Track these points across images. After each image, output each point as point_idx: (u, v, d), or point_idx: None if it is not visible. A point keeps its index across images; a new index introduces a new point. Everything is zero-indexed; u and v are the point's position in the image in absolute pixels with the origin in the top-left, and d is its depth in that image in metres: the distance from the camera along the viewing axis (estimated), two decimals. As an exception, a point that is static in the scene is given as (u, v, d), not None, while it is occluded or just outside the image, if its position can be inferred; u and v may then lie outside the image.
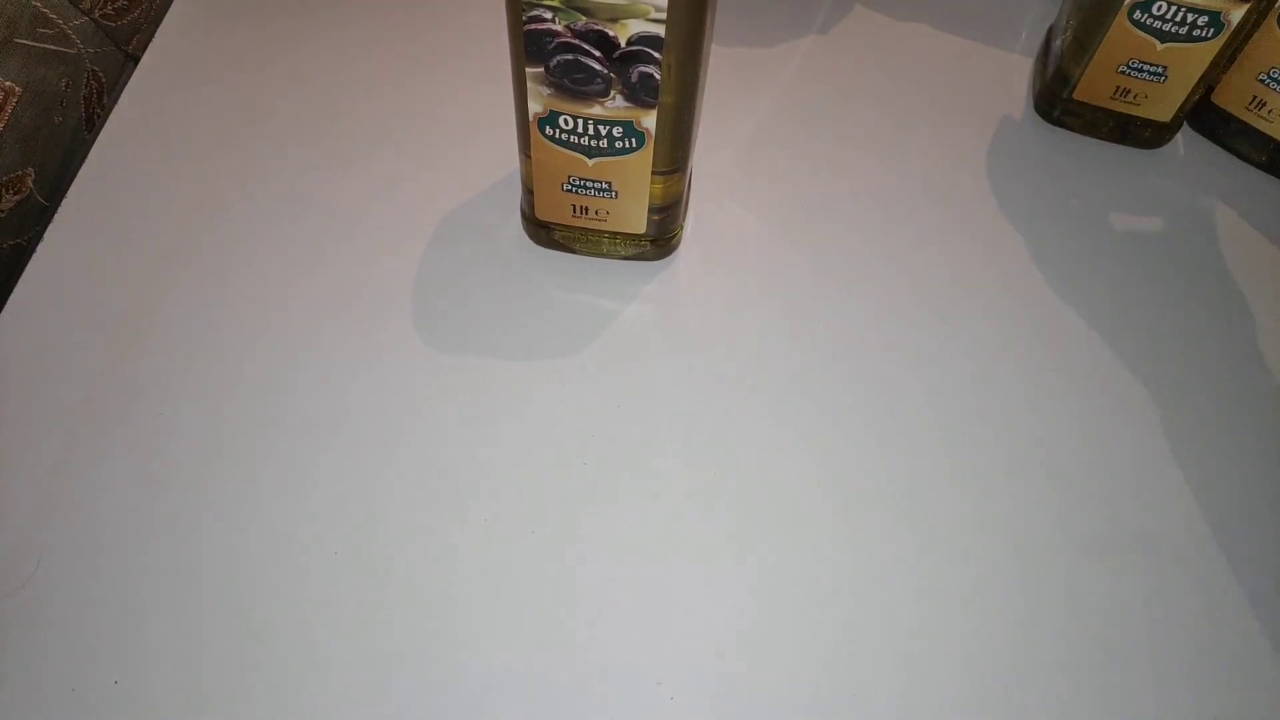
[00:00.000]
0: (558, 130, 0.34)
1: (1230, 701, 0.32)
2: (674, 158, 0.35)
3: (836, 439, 0.37)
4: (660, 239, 0.39)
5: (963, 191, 0.44)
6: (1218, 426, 0.38)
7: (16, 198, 0.42)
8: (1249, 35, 0.41)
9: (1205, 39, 0.39)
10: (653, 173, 0.35)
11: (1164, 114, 0.43)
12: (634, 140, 0.33)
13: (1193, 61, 0.40)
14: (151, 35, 0.47)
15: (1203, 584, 0.34)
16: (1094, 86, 0.43)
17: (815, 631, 0.33)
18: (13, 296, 0.38)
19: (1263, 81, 0.43)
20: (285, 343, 0.38)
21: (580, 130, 0.33)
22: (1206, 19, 0.39)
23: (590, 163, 0.35)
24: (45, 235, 0.40)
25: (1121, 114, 0.44)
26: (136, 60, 0.47)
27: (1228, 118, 0.45)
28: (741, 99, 0.46)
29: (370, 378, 0.37)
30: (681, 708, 0.31)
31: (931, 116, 0.46)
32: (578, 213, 0.38)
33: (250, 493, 0.34)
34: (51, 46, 0.43)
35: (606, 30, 0.29)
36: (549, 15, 0.29)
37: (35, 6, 0.42)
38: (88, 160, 0.42)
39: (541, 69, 0.31)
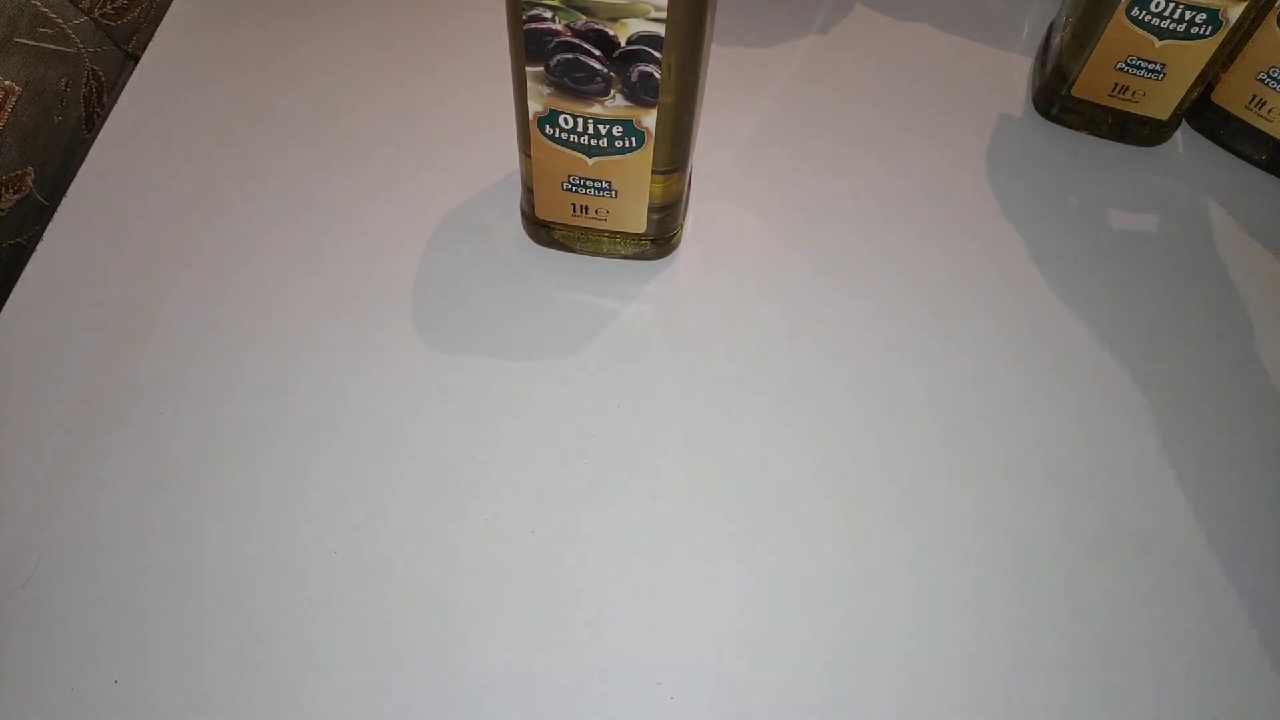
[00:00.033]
0: (558, 129, 0.34)
1: (1230, 701, 0.32)
2: (674, 157, 0.35)
3: (836, 439, 0.37)
4: (660, 238, 0.39)
5: (962, 190, 0.44)
6: (1217, 426, 0.38)
7: (16, 197, 0.42)
8: (1248, 33, 0.41)
9: (1203, 36, 0.39)
10: (653, 172, 0.35)
11: (1162, 112, 0.43)
12: (634, 140, 0.33)
13: (1191, 59, 0.40)
14: (151, 35, 0.47)
15: (1203, 584, 0.34)
16: (1092, 83, 0.43)
17: (815, 631, 0.33)
18: (13, 296, 0.38)
19: (1262, 80, 0.43)
20: (285, 343, 0.38)
21: (580, 129, 0.33)
22: (1205, 16, 0.39)
23: (590, 162, 0.35)
24: (45, 235, 0.40)
25: (1120, 111, 0.44)
26: (136, 60, 0.47)
27: (1227, 116, 0.45)
28: (741, 99, 0.46)
29: (370, 378, 0.37)
30: (681, 708, 0.31)
31: (931, 115, 0.46)
32: (578, 212, 0.38)
33: (250, 492, 0.34)
34: (51, 46, 0.43)
35: (606, 29, 0.29)
36: (549, 14, 0.29)
37: (35, 6, 0.42)
38: (88, 160, 0.42)
39: (541, 68, 0.31)
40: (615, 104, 0.32)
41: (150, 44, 0.47)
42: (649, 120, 0.33)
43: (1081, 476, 0.36)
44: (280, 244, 0.40)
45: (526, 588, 0.33)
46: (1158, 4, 0.39)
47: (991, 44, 0.49)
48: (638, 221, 0.38)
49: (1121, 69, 0.42)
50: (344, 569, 0.33)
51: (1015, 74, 0.48)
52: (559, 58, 0.31)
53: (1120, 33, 0.40)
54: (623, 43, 0.30)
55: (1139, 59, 0.41)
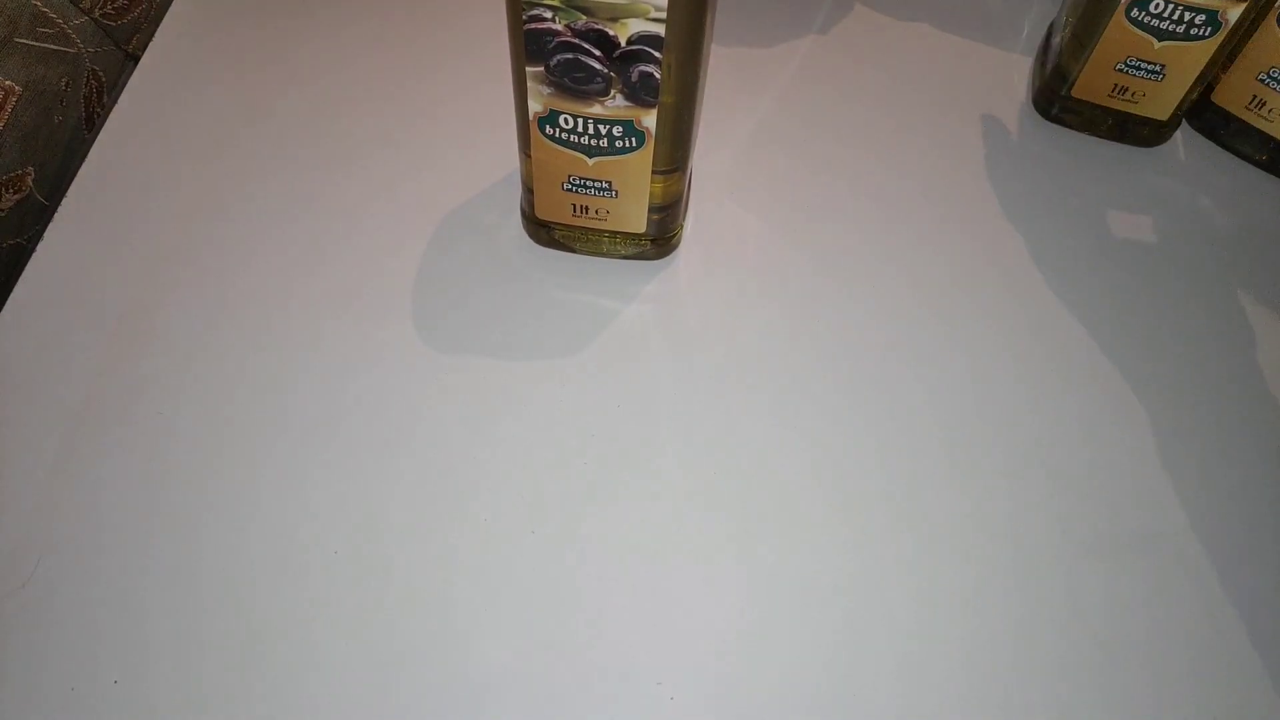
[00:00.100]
0: (558, 129, 0.34)
1: (1230, 701, 0.32)
2: (674, 157, 0.35)
3: (836, 439, 0.37)
4: (660, 238, 0.39)
5: (962, 190, 0.44)
6: (1217, 426, 0.38)
7: (16, 197, 0.42)
8: (1247, 34, 0.41)
9: (1203, 37, 0.39)
10: (653, 172, 0.35)
11: (1162, 112, 0.43)
12: (634, 140, 0.33)
13: (1190, 60, 0.40)
14: (151, 35, 0.47)
15: (1203, 584, 0.34)
16: (1092, 84, 0.43)
17: (815, 631, 0.33)
18: (13, 296, 0.38)
19: (1262, 81, 0.43)
20: (285, 342, 0.38)
21: (580, 130, 0.33)
22: (1204, 17, 0.39)
23: (590, 162, 0.35)
24: (45, 235, 0.40)
25: (1120, 112, 0.44)
26: (136, 60, 0.47)
27: (1227, 117, 0.45)
28: (741, 99, 0.46)
29: (370, 378, 0.37)
30: (681, 708, 0.31)
31: (931, 115, 0.46)
32: (578, 212, 0.38)
33: (250, 492, 0.34)
34: (51, 46, 0.43)
35: (606, 29, 0.29)
36: (549, 15, 0.29)
37: (35, 6, 0.42)
38: (88, 160, 0.42)
39: (541, 68, 0.31)
40: (615, 104, 0.32)
41: (150, 44, 0.47)
42: (649, 120, 0.33)
43: (1081, 476, 0.36)
44: (280, 244, 0.40)
45: (526, 588, 0.33)
46: (1157, 5, 0.39)
47: (991, 44, 0.49)
48: (638, 221, 0.38)
49: (1121, 69, 0.42)
50: (344, 569, 0.33)
51: (1015, 74, 0.48)
52: (559, 58, 0.31)
53: (1120, 33, 0.41)
54: (623, 43, 0.30)
55: (1139, 60, 0.41)
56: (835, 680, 0.32)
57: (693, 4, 0.28)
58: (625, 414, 0.37)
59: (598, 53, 0.30)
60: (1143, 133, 0.45)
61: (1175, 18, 0.39)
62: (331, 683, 0.31)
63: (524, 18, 0.29)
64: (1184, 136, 0.46)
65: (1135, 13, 0.40)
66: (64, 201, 0.41)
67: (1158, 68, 0.41)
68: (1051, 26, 0.48)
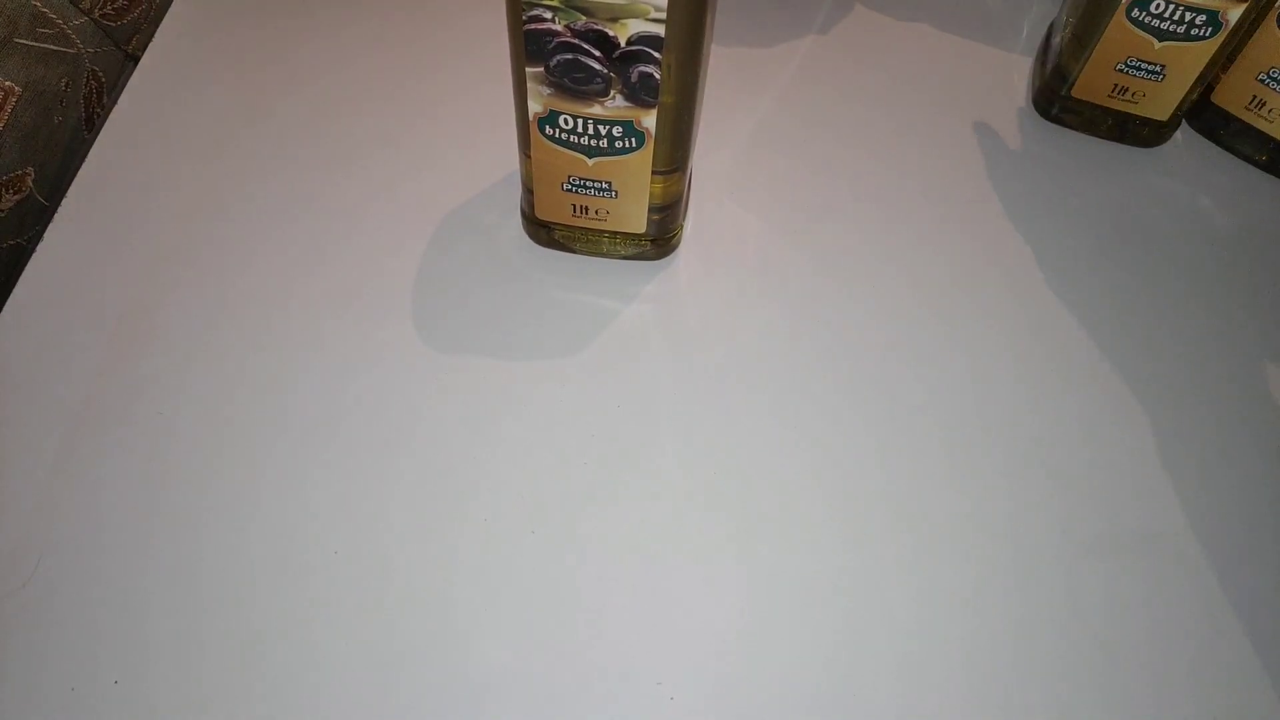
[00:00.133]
0: (558, 130, 0.34)
1: (1230, 701, 0.32)
2: (674, 157, 0.35)
3: (836, 439, 0.37)
4: (660, 239, 0.39)
5: (962, 190, 0.44)
6: (1217, 426, 0.38)
7: (16, 197, 0.42)
8: (1248, 34, 0.41)
9: (1203, 38, 0.39)
10: (653, 172, 0.35)
11: (1162, 112, 0.43)
12: (634, 140, 0.33)
13: (1191, 60, 0.40)
14: (151, 35, 0.47)
15: (1203, 584, 0.34)
16: (1092, 84, 0.43)
17: (815, 631, 0.33)
18: (13, 296, 0.38)
19: (1262, 81, 0.43)
20: (285, 343, 0.38)
21: (580, 130, 0.33)
22: (1204, 18, 0.39)
23: (590, 162, 0.35)
24: (45, 235, 0.40)
25: (1120, 112, 0.44)
26: (136, 60, 0.47)
27: (1227, 117, 0.45)
28: (741, 99, 0.46)
29: (370, 378, 0.37)
30: (681, 708, 0.31)
31: (931, 115, 0.46)
32: (578, 212, 0.38)
33: (250, 492, 0.34)
34: (51, 46, 0.43)
35: (606, 30, 0.29)
36: (549, 15, 0.29)
37: (35, 6, 0.42)
38: (88, 160, 0.42)
39: (541, 69, 0.31)
40: (615, 104, 0.32)
41: (150, 44, 0.47)
42: (649, 120, 0.33)
43: (1081, 476, 0.36)
44: (280, 244, 0.40)
45: (526, 588, 0.33)
46: (1158, 5, 0.39)
47: (991, 44, 0.49)
48: (638, 222, 0.38)
49: (1121, 70, 0.42)
50: (344, 569, 0.33)
51: (1015, 74, 0.48)
52: (559, 58, 0.31)
53: (1120, 33, 0.41)
54: (623, 43, 0.30)
55: (1139, 60, 0.41)
56: (835, 680, 0.32)
57: (693, 4, 0.28)
58: (625, 414, 0.37)
59: (597, 53, 0.30)
60: (1143, 133, 0.45)
61: (1175, 18, 0.39)
62: (331, 683, 0.31)
63: (524, 18, 0.29)
64: (1184, 136, 0.46)
65: (1135, 13, 0.40)
66: (64, 201, 0.41)
67: (1158, 68, 0.41)
68: (1051, 26, 0.48)
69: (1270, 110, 0.43)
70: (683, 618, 0.33)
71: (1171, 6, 0.39)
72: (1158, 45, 0.40)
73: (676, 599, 0.33)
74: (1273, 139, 0.44)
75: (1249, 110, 0.44)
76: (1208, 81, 0.42)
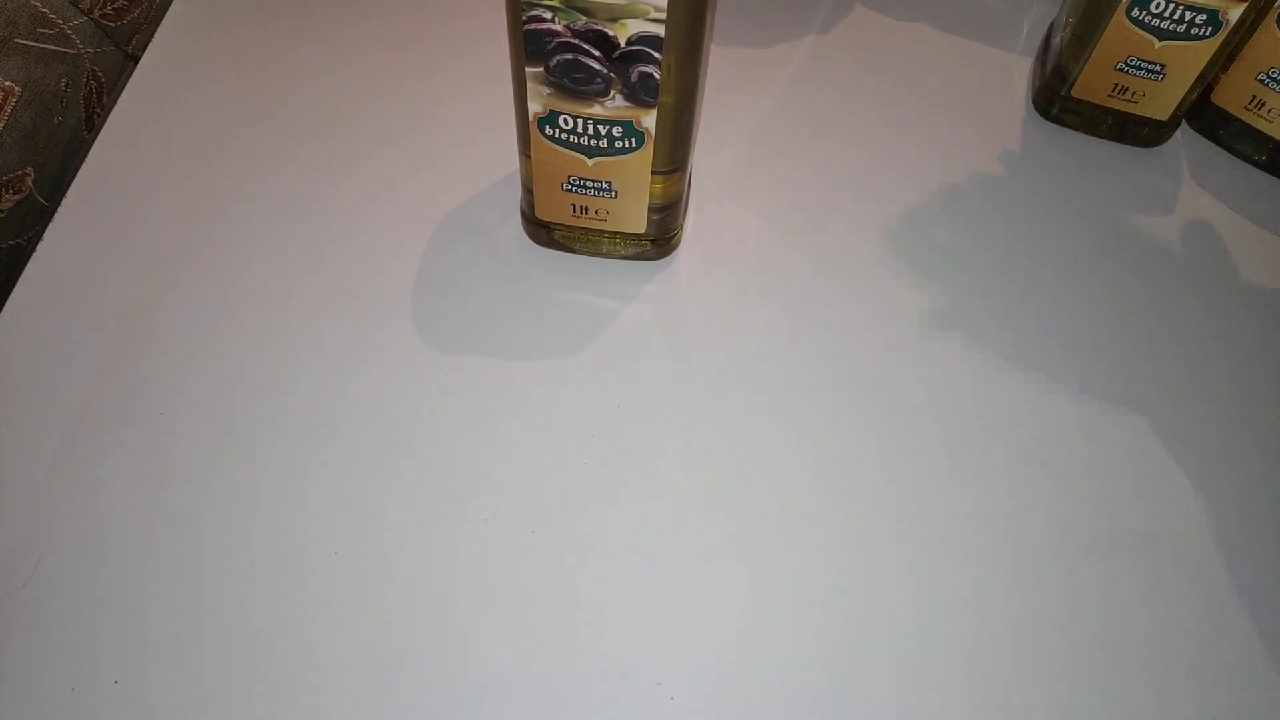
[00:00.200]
0: (558, 130, 0.34)
1: (1230, 701, 0.32)
2: (674, 158, 0.35)
3: (836, 439, 0.37)
4: (660, 239, 0.39)
5: (962, 190, 0.44)
6: (1218, 426, 0.38)
7: (16, 197, 0.42)
8: (1248, 34, 0.41)
9: (1203, 37, 0.39)
10: (653, 172, 0.35)
11: (1162, 112, 0.43)
12: (634, 140, 0.33)
13: (1191, 60, 0.40)
14: (151, 35, 0.47)
15: (1203, 584, 0.34)
16: (1092, 84, 0.43)
17: (815, 631, 0.33)
18: (13, 296, 0.38)
19: (1262, 81, 0.43)
20: (285, 343, 0.38)
21: (580, 130, 0.33)
22: (1205, 17, 0.39)
23: (590, 162, 0.35)
24: (45, 235, 0.40)
25: (1120, 112, 0.44)
26: (136, 60, 0.47)
27: (1227, 117, 0.45)
28: (741, 99, 0.46)
29: (370, 378, 0.37)
30: (681, 708, 0.31)
31: (931, 115, 0.46)
32: (578, 212, 0.38)
33: (250, 492, 0.34)
34: (51, 46, 0.43)
35: (606, 30, 0.29)
36: (549, 15, 0.29)
37: (35, 6, 0.42)
38: (88, 160, 0.42)
39: (541, 69, 0.31)
40: (615, 104, 0.32)
41: (150, 44, 0.47)
42: (649, 121, 0.33)
43: (1081, 476, 0.36)
44: (280, 244, 0.40)
45: (526, 588, 0.33)
46: (1158, 4, 0.39)
47: (991, 44, 0.49)
48: (638, 222, 0.38)
49: (1121, 69, 0.42)
50: (344, 569, 0.33)
51: (1015, 74, 0.48)
52: (559, 58, 0.31)
53: (1120, 33, 0.40)
54: (622, 43, 0.30)
55: (1139, 59, 0.41)
56: (835, 680, 0.32)
57: (693, 4, 0.28)
58: (625, 414, 0.37)
59: (597, 53, 0.30)
60: (1143, 133, 0.45)
61: (1176, 17, 0.39)
62: (331, 683, 0.31)
63: (524, 18, 0.29)
64: (1184, 136, 0.46)
65: (1135, 12, 0.40)
66: (64, 201, 0.41)
67: (1158, 68, 0.41)
68: (1051, 26, 0.48)
69: (1270, 110, 0.43)
70: (683, 618, 0.33)
71: (1171, 6, 0.39)
72: (1158, 45, 0.40)
73: (676, 599, 0.33)
74: (1273, 139, 0.44)
75: (1249, 110, 0.44)
76: (1208, 81, 0.42)
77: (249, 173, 0.42)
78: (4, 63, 0.40)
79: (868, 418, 0.37)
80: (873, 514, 0.35)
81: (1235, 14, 0.38)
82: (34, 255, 0.39)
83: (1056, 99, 0.45)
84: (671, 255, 0.41)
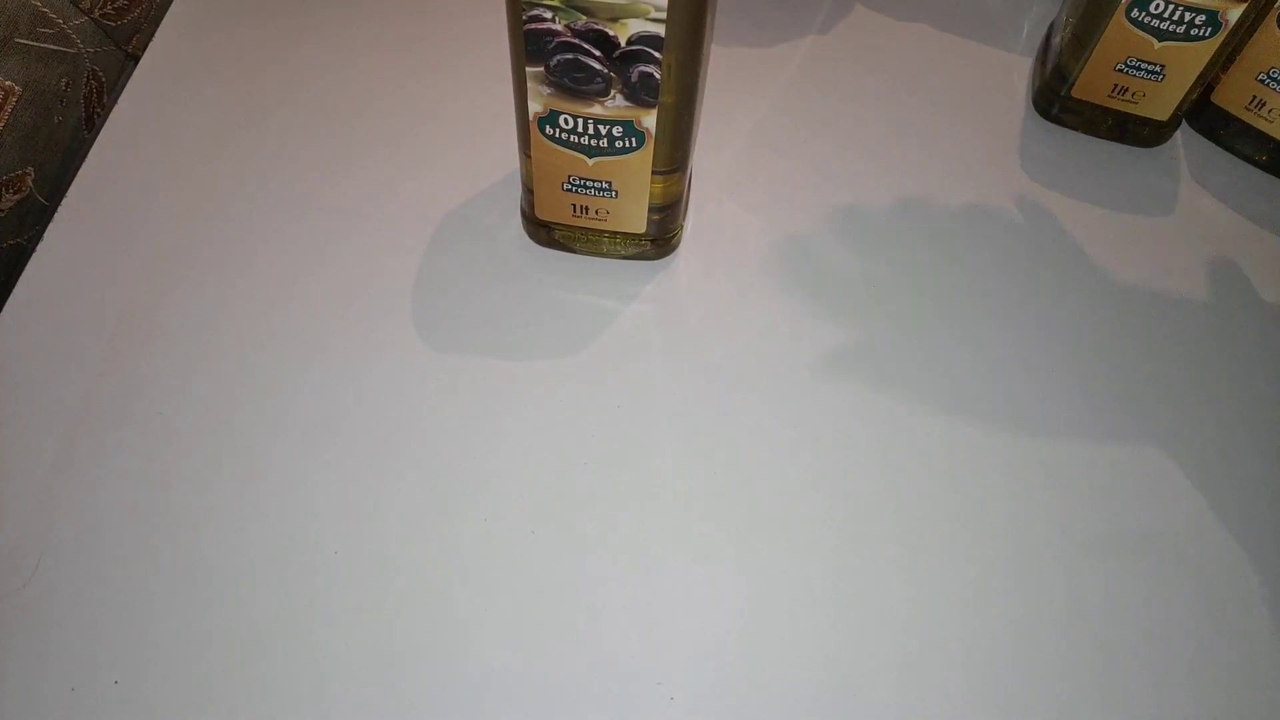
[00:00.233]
0: (558, 130, 0.34)
1: (1230, 701, 0.32)
2: (674, 157, 0.35)
3: (836, 439, 0.37)
4: (660, 239, 0.39)
5: (962, 190, 0.44)
6: (1218, 426, 0.38)
7: (16, 197, 0.42)
8: (1247, 34, 0.41)
9: (1203, 38, 0.39)
10: (653, 172, 0.35)
11: (1162, 112, 0.43)
12: (634, 140, 0.33)
13: (1191, 60, 0.40)
14: (151, 35, 0.47)
15: (1203, 584, 0.34)
16: (1092, 84, 0.43)
17: (815, 631, 0.33)
18: (13, 296, 0.38)
19: (1262, 81, 0.43)
20: (285, 343, 0.38)
21: (580, 130, 0.33)
22: (1204, 18, 0.39)
23: (590, 162, 0.35)
24: (45, 235, 0.40)
25: (1120, 112, 0.44)
26: (136, 60, 0.47)
27: (1227, 117, 0.45)
28: (741, 99, 0.46)
29: (370, 378, 0.37)
30: (681, 708, 0.31)
31: (931, 115, 0.46)
32: (578, 212, 0.38)
33: (250, 493, 0.34)
34: (51, 46, 0.43)
35: (606, 30, 0.29)
36: (549, 15, 0.29)
37: (35, 6, 0.42)
38: (88, 160, 0.42)
39: (541, 68, 0.31)
40: (615, 104, 0.32)
41: (150, 44, 0.47)
42: (649, 120, 0.33)
43: (1081, 476, 0.36)
44: (280, 244, 0.40)
45: (526, 588, 0.33)
46: (1157, 5, 0.39)
47: (991, 44, 0.49)
48: (638, 222, 0.38)
49: (1121, 70, 0.42)
50: (344, 569, 0.33)
51: (1015, 74, 0.48)
52: (559, 58, 0.31)
53: (1120, 34, 0.41)
54: (623, 43, 0.30)
55: (1139, 60, 0.41)
56: (835, 680, 0.32)
57: (693, 4, 0.28)
58: (625, 414, 0.37)
59: (598, 53, 0.30)
60: (1143, 133, 0.45)
61: (1175, 18, 0.39)
62: (331, 682, 0.31)
63: (524, 18, 0.29)
64: (1184, 136, 0.46)
65: (1135, 13, 0.40)
66: (64, 201, 0.41)
67: (1158, 68, 0.41)
68: (1051, 26, 0.48)
69: (1270, 110, 0.43)
70: (683, 618, 0.33)
71: (1171, 6, 0.39)
72: (1157, 45, 0.40)
73: (676, 599, 0.33)
74: (1273, 139, 0.44)
75: (1249, 110, 0.44)
76: (1207, 81, 0.42)
77: (249, 173, 0.42)
78: (4, 62, 0.40)
79: (867, 417, 0.37)
80: (872, 514, 0.35)
81: (1235, 14, 0.38)
82: (34, 255, 0.39)
83: (1056, 99, 0.45)
84: (671, 255, 0.41)
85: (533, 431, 0.36)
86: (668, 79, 0.31)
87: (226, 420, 0.36)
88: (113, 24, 0.47)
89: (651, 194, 0.36)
